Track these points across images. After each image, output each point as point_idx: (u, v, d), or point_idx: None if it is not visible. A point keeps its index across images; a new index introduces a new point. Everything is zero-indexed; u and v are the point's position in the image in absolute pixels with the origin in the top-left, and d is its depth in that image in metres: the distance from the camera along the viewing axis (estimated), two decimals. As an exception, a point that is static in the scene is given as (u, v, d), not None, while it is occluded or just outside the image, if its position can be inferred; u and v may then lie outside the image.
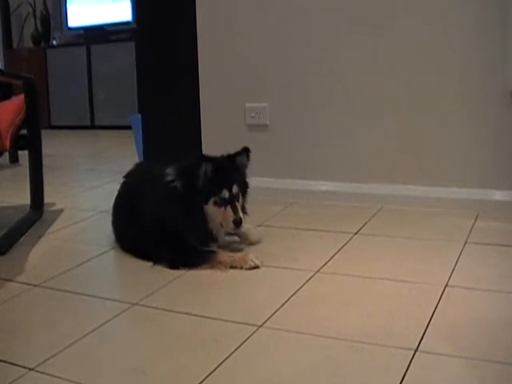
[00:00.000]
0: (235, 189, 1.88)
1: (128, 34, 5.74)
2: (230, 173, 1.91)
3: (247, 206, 1.98)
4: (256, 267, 1.81)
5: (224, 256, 1.86)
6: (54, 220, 2.51)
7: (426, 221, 2.28)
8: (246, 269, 1.80)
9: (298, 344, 1.36)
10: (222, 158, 1.93)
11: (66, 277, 1.84)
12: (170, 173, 1.89)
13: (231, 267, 1.82)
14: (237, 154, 1.94)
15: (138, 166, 2.27)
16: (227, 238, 2.02)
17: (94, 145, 5.47)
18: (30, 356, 1.33)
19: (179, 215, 1.86)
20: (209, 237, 1.90)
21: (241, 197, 1.93)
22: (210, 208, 1.86)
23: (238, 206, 1.88)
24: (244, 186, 1.97)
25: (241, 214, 1.87)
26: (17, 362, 1.30)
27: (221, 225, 1.89)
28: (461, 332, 1.38)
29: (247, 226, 2.02)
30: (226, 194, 1.86)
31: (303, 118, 2.67)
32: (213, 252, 1.88)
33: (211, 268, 1.83)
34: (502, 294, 1.59)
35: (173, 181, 1.87)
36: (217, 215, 1.87)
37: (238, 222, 1.86)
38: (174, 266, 1.85)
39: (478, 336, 1.35)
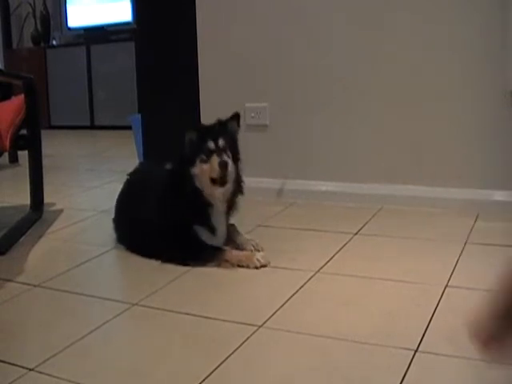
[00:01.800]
0: (221, 141, 1.82)
1: (128, 33, 5.73)
2: (217, 130, 1.85)
3: (241, 175, 1.92)
4: (263, 266, 1.80)
5: (232, 254, 1.85)
6: (54, 220, 2.51)
7: (426, 221, 2.28)
8: (253, 268, 1.79)
9: (298, 344, 1.36)
10: (211, 124, 1.88)
11: (66, 277, 1.84)
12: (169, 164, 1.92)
13: (238, 266, 1.81)
14: (227, 119, 1.89)
15: (142, 165, 2.28)
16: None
17: (94, 145, 5.47)
18: (30, 356, 1.33)
19: (177, 199, 1.84)
20: (205, 208, 1.85)
21: (231, 161, 1.83)
22: (197, 167, 1.81)
23: (225, 155, 1.81)
24: (235, 153, 1.89)
25: (226, 158, 1.79)
26: (17, 362, 1.30)
27: (211, 181, 1.81)
28: (461, 332, 1.37)
29: (246, 237, 1.97)
30: (211, 144, 1.80)
31: (303, 118, 2.67)
32: (221, 249, 1.87)
33: (218, 266, 1.82)
34: (502, 294, 1.59)
35: (169, 168, 1.89)
36: (205, 171, 1.81)
37: (223, 164, 1.78)
38: (185, 262, 1.84)
39: (478, 336, 1.35)
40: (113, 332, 1.46)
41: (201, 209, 1.86)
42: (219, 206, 1.89)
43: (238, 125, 1.91)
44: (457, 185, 2.41)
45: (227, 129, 1.88)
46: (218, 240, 1.91)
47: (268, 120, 2.74)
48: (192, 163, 1.82)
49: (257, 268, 1.78)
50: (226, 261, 1.82)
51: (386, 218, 2.35)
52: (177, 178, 1.86)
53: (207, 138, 1.81)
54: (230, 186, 1.86)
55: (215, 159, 1.79)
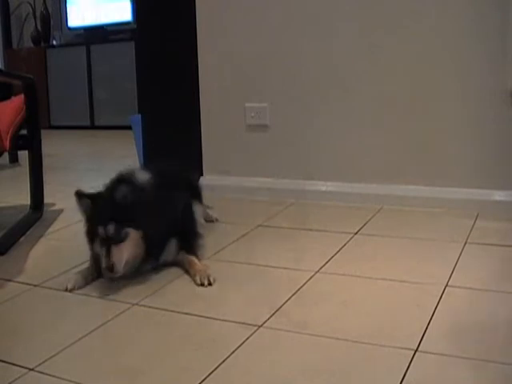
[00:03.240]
0: (111, 228, 1.60)
1: (128, 33, 5.74)
2: (110, 208, 1.65)
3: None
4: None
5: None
6: (54, 220, 2.51)
7: (426, 221, 2.28)
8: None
9: (298, 344, 1.35)
10: (107, 194, 1.71)
11: (66, 277, 1.83)
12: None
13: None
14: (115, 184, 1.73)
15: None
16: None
17: (93, 145, 5.47)
18: (30, 356, 1.32)
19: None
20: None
21: (130, 236, 1.63)
22: (95, 248, 1.67)
23: (115, 249, 1.59)
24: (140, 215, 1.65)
25: (114, 259, 1.58)
26: (17, 362, 1.30)
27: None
28: (461, 332, 1.38)
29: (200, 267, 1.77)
30: (101, 231, 1.62)
31: (303, 118, 2.67)
32: None
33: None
34: (502, 294, 1.59)
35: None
36: (98, 257, 1.66)
37: (107, 270, 1.60)
38: None
39: (478, 336, 1.35)
40: (113, 332, 1.46)
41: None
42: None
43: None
44: (457, 185, 2.41)
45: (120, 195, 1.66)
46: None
47: (268, 120, 2.74)
48: (92, 239, 1.69)
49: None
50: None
51: (386, 218, 2.35)
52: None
53: (97, 219, 1.63)
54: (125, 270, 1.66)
55: (103, 260, 1.60)
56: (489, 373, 1.20)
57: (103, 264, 1.59)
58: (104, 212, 1.64)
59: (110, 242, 1.60)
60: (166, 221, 1.75)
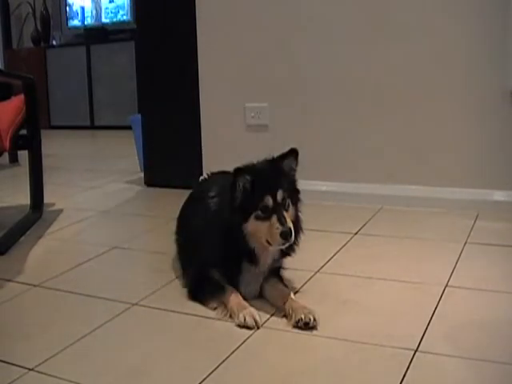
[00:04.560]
0: (280, 195, 1.50)
1: (128, 33, 5.74)
2: (274, 178, 1.54)
3: (301, 219, 1.60)
4: (245, 327, 1.43)
5: (231, 298, 1.52)
6: (54, 220, 2.51)
7: (426, 221, 2.29)
8: (236, 325, 1.45)
9: (298, 344, 1.36)
10: (264, 163, 1.59)
11: (66, 277, 1.84)
12: (212, 191, 1.65)
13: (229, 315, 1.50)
14: (282, 156, 1.58)
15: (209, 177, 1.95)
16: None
17: (93, 145, 5.48)
18: (30, 356, 1.32)
19: (213, 242, 1.57)
20: (244, 264, 1.56)
21: (291, 207, 1.54)
22: (252, 225, 1.49)
23: (287, 215, 1.49)
24: (294, 194, 1.57)
25: (290, 225, 1.47)
26: (17, 362, 1.30)
27: (267, 243, 1.49)
28: (461, 332, 1.38)
29: (300, 304, 1.50)
30: (269, 201, 1.48)
31: (303, 117, 2.67)
32: (225, 289, 1.55)
33: (213, 309, 1.54)
34: (502, 294, 1.59)
35: (212, 199, 1.62)
36: (260, 231, 1.49)
37: (286, 235, 1.46)
38: (190, 295, 1.63)
39: (478, 336, 1.35)
40: (113, 332, 1.46)
41: (238, 264, 1.57)
42: (264, 266, 1.59)
43: (297, 163, 1.59)
44: (457, 185, 2.41)
45: (282, 169, 1.57)
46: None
47: (268, 120, 2.74)
48: (244, 217, 1.50)
49: (239, 326, 1.44)
50: (224, 303, 1.52)
51: (386, 217, 2.35)
52: (223, 227, 1.55)
53: (263, 188, 1.50)
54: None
55: (276, 225, 1.46)
56: (489, 373, 1.20)
57: (279, 230, 1.45)
58: (271, 181, 1.53)
59: (281, 209, 1.50)
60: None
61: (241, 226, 1.50)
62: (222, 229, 1.54)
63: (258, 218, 1.49)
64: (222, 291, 1.53)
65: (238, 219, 1.50)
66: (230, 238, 1.53)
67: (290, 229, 1.46)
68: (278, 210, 1.48)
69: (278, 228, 1.46)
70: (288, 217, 1.49)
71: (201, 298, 1.58)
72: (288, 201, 1.52)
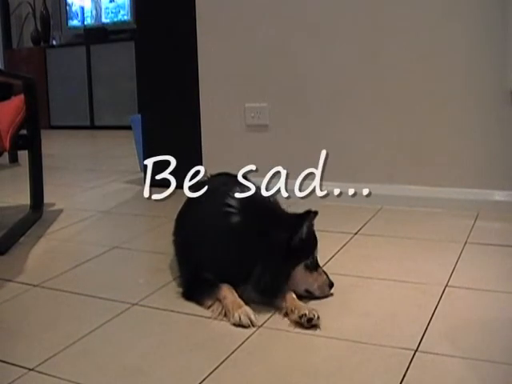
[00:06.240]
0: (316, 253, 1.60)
1: (128, 33, 5.74)
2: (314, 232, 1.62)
3: None
4: (241, 326, 1.42)
5: (226, 294, 1.50)
6: (54, 220, 2.51)
7: (426, 221, 2.29)
8: (231, 323, 1.44)
9: (298, 344, 1.36)
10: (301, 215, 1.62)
11: (66, 277, 1.84)
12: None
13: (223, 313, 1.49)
14: (306, 216, 1.62)
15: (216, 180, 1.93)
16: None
17: (93, 145, 5.48)
18: (30, 356, 1.32)
19: (232, 257, 1.55)
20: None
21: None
22: (300, 273, 1.53)
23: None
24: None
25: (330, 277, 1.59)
26: (17, 362, 1.30)
27: (306, 291, 1.56)
28: (461, 332, 1.38)
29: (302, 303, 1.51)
30: (316, 256, 1.58)
31: (303, 118, 2.67)
32: (219, 286, 1.53)
33: (208, 307, 1.52)
34: (502, 294, 1.59)
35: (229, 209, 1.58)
36: (305, 282, 1.55)
37: (332, 286, 1.59)
38: (184, 295, 1.62)
39: (478, 336, 1.35)
40: (113, 332, 1.46)
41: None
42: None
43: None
44: (457, 185, 2.41)
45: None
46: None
47: (268, 120, 2.74)
48: (295, 261, 1.53)
49: (234, 325, 1.43)
50: (219, 300, 1.51)
51: (386, 218, 2.35)
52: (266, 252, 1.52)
53: (315, 239, 1.60)
54: None
55: (324, 277, 1.58)
56: (489, 373, 1.20)
57: (326, 282, 1.58)
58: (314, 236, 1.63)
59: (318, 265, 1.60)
60: None
61: (288, 268, 1.52)
62: (253, 253, 1.52)
63: (307, 267, 1.55)
64: (217, 288, 1.52)
65: (291, 262, 1.52)
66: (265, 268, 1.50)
67: (332, 281, 1.59)
68: (317, 262, 1.59)
69: (326, 280, 1.58)
70: None
71: (196, 298, 1.57)
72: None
